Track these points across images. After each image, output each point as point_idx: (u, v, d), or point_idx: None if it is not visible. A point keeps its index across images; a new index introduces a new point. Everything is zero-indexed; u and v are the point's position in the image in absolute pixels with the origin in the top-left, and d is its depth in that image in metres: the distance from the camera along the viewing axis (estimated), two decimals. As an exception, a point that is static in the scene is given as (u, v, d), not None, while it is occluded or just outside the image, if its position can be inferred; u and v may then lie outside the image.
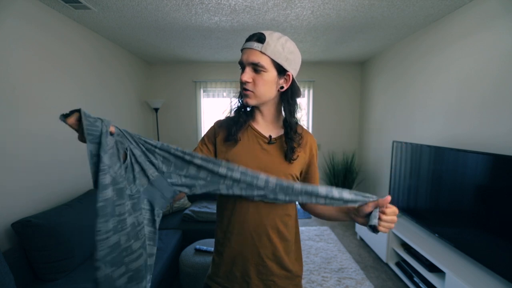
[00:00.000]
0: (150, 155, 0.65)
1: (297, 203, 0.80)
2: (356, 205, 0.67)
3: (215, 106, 3.82)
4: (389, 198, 0.64)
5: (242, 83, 0.74)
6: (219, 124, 0.85)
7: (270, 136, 0.81)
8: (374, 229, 0.65)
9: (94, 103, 2.38)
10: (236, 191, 0.67)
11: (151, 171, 0.65)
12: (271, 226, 0.77)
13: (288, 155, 0.77)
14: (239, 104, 0.83)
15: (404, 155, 2.33)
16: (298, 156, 0.79)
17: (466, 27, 1.88)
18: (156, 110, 3.44)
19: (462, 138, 1.92)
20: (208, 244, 1.99)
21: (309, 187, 0.66)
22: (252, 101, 0.76)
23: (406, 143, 2.32)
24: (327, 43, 2.78)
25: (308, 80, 3.73)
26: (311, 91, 3.78)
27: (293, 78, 0.77)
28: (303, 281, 2.07)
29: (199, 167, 0.67)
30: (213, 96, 3.78)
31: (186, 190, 0.68)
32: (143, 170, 0.64)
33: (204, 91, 3.75)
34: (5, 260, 1.23)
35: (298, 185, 0.67)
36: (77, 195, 2.01)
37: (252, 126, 0.82)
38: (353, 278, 2.13)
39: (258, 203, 0.75)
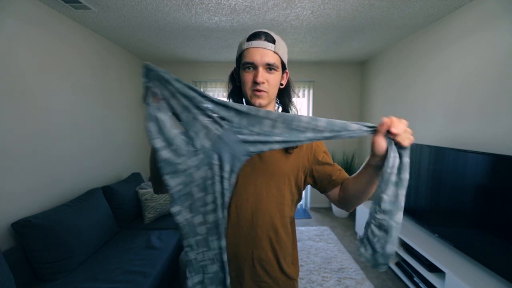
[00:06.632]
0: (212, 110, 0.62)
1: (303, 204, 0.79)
2: (356, 136, 0.62)
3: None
4: (384, 120, 0.60)
5: (255, 84, 0.69)
6: None
7: None
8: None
9: (94, 103, 2.38)
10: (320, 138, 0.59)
11: (215, 126, 0.60)
12: (267, 227, 0.75)
13: None
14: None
15: (404, 155, 2.32)
16: (297, 146, 0.77)
17: (466, 27, 1.88)
18: (156, 110, 3.43)
19: (462, 138, 1.92)
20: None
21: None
22: (265, 101, 0.72)
23: (406, 143, 2.31)
24: (327, 43, 2.78)
25: (308, 80, 3.73)
26: (311, 91, 3.78)
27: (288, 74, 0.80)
28: (303, 281, 2.07)
29: (275, 122, 0.58)
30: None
31: (263, 148, 0.59)
32: (204, 127, 0.61)
33: (204, 91, 3.74)
34: (5, 260, 1.24)
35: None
36: (77, 195, 2.01)
37: None
38: (353, 278, 2.13)
39: (253, 204, 0.74)
